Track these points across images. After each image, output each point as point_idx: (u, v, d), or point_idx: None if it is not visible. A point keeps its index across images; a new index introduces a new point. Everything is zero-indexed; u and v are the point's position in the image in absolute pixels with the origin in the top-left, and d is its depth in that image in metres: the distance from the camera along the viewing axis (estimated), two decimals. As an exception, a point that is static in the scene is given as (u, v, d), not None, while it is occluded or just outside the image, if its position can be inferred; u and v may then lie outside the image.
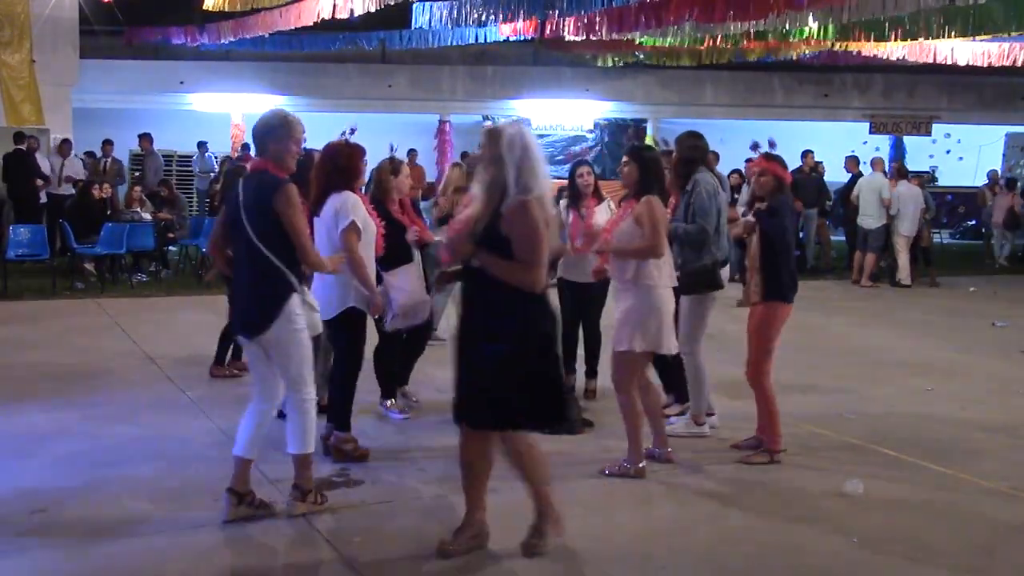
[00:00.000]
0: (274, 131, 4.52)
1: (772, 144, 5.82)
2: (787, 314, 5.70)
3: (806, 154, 16.46)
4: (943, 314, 11.78)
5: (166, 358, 8.01)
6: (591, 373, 7.01)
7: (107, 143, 16.45)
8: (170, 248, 14.11)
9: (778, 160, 5.78)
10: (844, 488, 5.15)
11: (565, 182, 7.07)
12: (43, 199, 14.46)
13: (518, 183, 3.99)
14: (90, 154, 16.63)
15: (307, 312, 4.63)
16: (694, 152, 6.22)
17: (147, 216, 13.40)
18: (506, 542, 4.33)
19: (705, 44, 14.54)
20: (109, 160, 16.29)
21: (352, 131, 5.63)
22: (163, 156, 18.09)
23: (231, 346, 7.40)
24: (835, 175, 17.08)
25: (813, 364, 8.56)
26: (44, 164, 14.61)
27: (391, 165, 6.32)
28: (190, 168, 19.56)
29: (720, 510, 4.94)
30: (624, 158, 5.68)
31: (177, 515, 4.65)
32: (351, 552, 4.26)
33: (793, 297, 5.70)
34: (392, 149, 6.42)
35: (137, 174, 16.63)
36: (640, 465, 5.33)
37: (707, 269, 6.03)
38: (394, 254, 5.89)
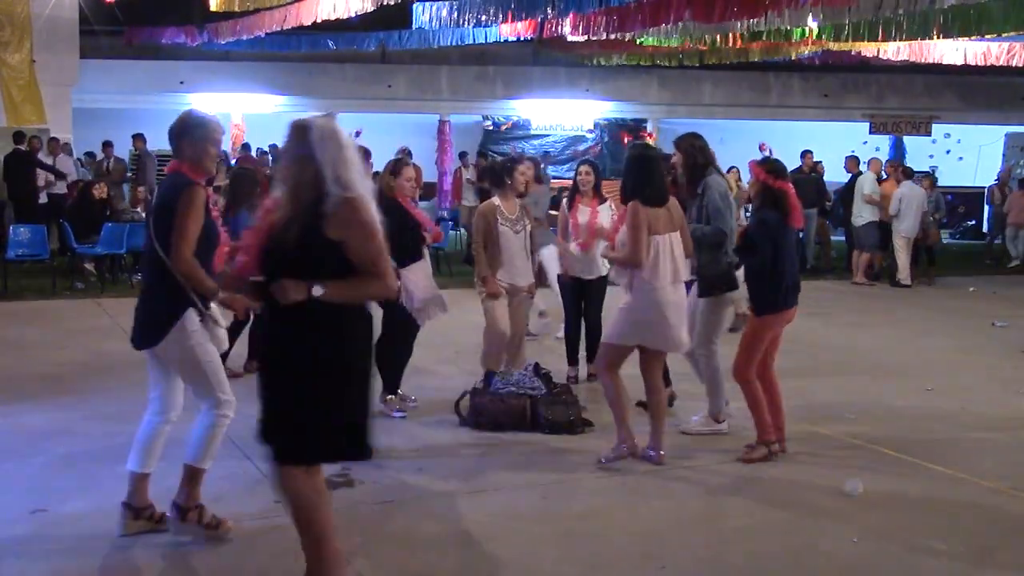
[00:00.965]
0: (190, 132, 4.28)
1: (765, 148, 5.81)
2: (782, 321, 5.70)
3: (805, 154, 16.47)
4: (943, 314, 11.78)
5: (166, 358, 7.99)
6: (592, 359, 7.18)
7: (107, 144, 16.45)
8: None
9: (775, 168, 5.71)
10: (844, 487, 5.15)
11: (568, 182, 7.26)
12: (42, 199, 14.47)
13: (337, 181, 3.49)
14: (90, 155, 16.65)
15: (209, 327, 4.28)
16: (703, 154, 6.21)
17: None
18: (507, 544, 4.34)
19: (706, 44, 14.53)
20: (112, 161, 16.30)
21: (357, 134, 5.64)
22: (162, 156, 18.11)
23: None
24: (835, 175, 17.07)
25: (813, 364, 8.57)
26: (67, 165, 14.64)
27: (392, 167, 6.52)
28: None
29: (720, 509, 4.94)
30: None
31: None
32: (351, 552, 4.26)
33: (785, 305, 5.67)
34: (355, 135, 6.50)
35: (129, 174, 16.61)
36: (630, 443, 5.47)
37: (724, 272, 6.07)
38: (407, 252, 6.04)
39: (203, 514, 4.36)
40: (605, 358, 5.63)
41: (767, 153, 5.81)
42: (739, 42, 14.02)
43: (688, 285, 5.81)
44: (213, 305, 4.30)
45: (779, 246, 5.60)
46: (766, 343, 5.69)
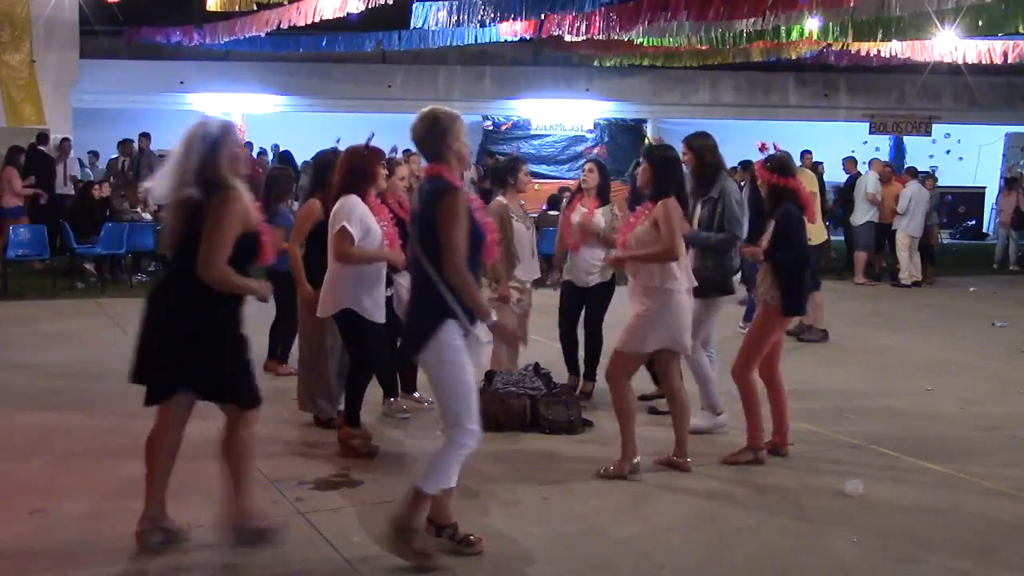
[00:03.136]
0: (448, 130, 4.08)
1: (765, 148, 5.73)
2: (789, 322, 5.71)
3: (805, 154, 16.46)
4: (943, 314, 11.78)
5: (166, 358, 7.99)
6: (589, 375, 7.01)
7: (125, 143, 16.52)
8: (170, 248, 14.08)
9: (779, 166, 5.59)
10: (844, 488, 5.15)
11: (568, 182, 7.13)
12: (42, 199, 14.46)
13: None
14: (93, 154, 16.64)
15: (472, 345, 4.10)
16: (713, 155, 6.19)
17: (147, 216, 13.40)
18: (507, 544, 4.34)
19: (706, 45, 14.52)
20: (127, 161, 16.30)
21: (372, 136, 5.67)
22: (160, 156, 18.09)
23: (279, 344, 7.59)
24: (835, 175, 17.09)
25: (812, 364, 8.57)
26: (74, 167, 14.65)
27: (387, 166, 6.43)
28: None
29: (719, 510, 4.94)
30: (641, 159, 5.62)
31: (176, 515, 4.63)
32: (351, 552, 4.26)
33: (797, 311, 5.67)
34: (336, 142, 6.55)
35: (131, 174, 16.60)
36: (635, 461, 5.30)
37: (726, 277, 6.08)
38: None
39: (456, 532, 4.27)
40: (623, 367, 5.35)
41: (769, 151, 5.70)
42: (739, 42, 14.03)
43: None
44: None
45: (804, 242, 5.59)
46: (771, 344, 5.66)
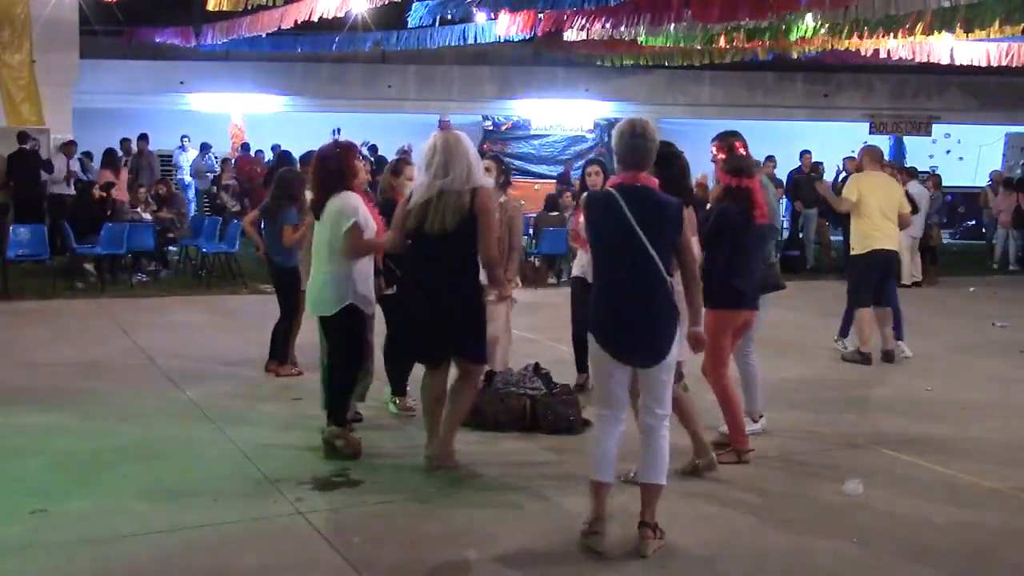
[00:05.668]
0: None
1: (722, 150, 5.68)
2: (737, 320, 5.63)
3: (805, 154, 16.47)
4: (943, 314, 11.78)
5: (166, 358, 8.01)
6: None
7: (141, 138, 16.53)
8: (170, 248, 14.12)
9: (734, 167, 5.57)
10: (844, 488, 5.15)
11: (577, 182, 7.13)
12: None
13: None
14: (87, 155, 16.63)
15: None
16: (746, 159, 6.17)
17: (147, 216, 13.40)
18: (507, 544, 4.34)
19: (704, 44, 14.51)
20: (128, 161, 16.29)
21: (337, 131, 5.69)
22: (162, 155, 18.18)
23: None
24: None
25: (812, 364, 8.57)
26: (59, 163, 14.70)
27: (394, 166, 6.56)
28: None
29: (719, 510, 4.93)
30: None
31: (176, 515, 4.64)
32: (351, 552, 4.26)
33: (739, 304, 5.63)
34: (335, 133, 6.59)
35: (130, 175, 16.61)
36: (712, 456, 5.32)
37: (772, 272, 6.18)
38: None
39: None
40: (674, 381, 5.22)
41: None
42: (738, 42, 14.02)
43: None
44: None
45: (738, 240, 5.55)
46: (727, 341, 5.64)
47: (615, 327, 4.36)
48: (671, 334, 4.35)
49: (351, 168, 5.56)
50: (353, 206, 5.40)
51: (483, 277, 5.39)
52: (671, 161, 5.17)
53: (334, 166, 5.53)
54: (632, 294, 4.31)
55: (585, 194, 5.32)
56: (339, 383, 5.65)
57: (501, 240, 6.54)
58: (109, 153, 14.88)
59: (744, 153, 5.98)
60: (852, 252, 8.89)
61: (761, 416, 6.19)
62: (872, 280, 8.63)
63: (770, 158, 14.98)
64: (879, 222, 8.55)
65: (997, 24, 10.44)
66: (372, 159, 15.97)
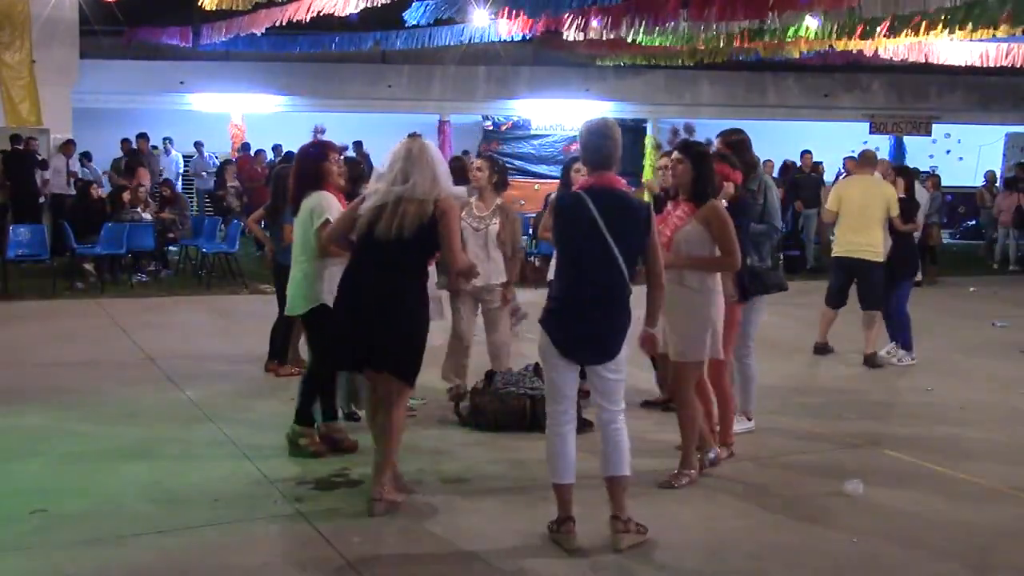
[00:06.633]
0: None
1: (690, 130, 5.69)
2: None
3: (805, 154, 16.46)
4: (943, 314, 11.77)
5: (166, 358, 8.01)
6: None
7: (141, 137, 16.51)
8: (170, 248, 14.11)
9: (700, 153, 5.30)
10: (844, 488, 5.15)
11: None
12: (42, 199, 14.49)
13: None
14: (85, 155, 16.62)
15: None
16: (751, 151, 6.18)
17: (147, 216, 13.40)
18: (506, 544, 4.34)
19: (705, 44, 14.51)
20: (127, 160, 16.26)
21: (321, 131, 5.67)
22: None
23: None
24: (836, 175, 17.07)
25: (812, 363, 8.57)
26: (59, 163, 14.69)
27: None
28: (186, 168, 19.48)
29: (719, 510, 4.94)
30: (675, 154, 5.22)
31: (176, 515, 4.65)
32: (351, 552, 4.26)
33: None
34: (316, 132, 6.55)
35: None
36: (695, 470, 5.28)
37: (771, 271, 6.15)
38: None
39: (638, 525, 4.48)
40: (688, 380, 5.17)
41: (680, 138, 5.71)
42: (738, 42, 14.02)
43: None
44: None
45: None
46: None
47: (568, 323, 4.40)
48: (622, 335, 4.37)
49: (324, 168, 5.53)
50: (325, 204, 5.39)
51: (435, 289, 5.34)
52: (701, 160, 5.13)
53: (309, 166, 5.54)
54: (593, 296, 4.33)
55: (553, 195, 5.29)
56: (306, 382, 5.64)
57: (503, 243, 6.56)
58: (133, 154, 14.76)
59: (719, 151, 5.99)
60: None
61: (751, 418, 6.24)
62: (838, 282, 8.80)
63: (767, 162, 15.00)
64: (846, 228, 8.53)
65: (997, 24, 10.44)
66: (357, 156, 15.82)
